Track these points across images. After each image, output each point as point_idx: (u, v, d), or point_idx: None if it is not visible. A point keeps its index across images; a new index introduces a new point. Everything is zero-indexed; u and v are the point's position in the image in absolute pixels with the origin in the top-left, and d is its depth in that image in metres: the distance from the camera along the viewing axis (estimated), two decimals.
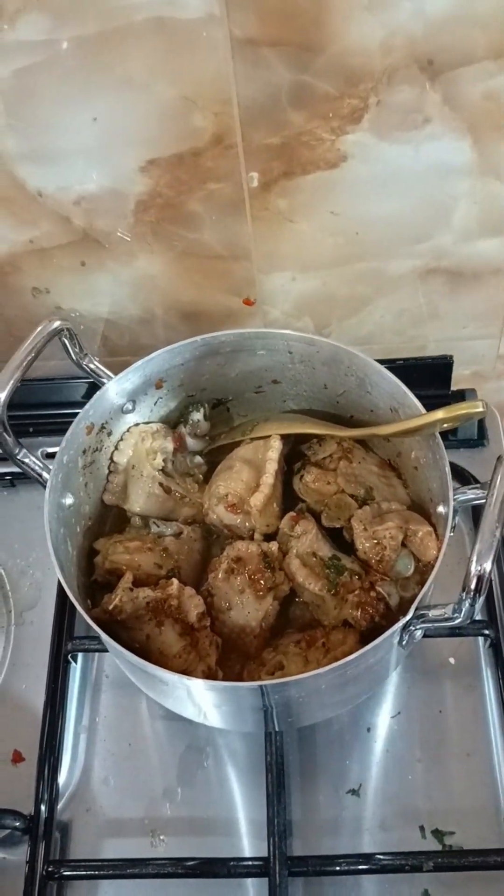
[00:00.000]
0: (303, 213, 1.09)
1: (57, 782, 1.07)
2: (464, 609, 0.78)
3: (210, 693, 0.87)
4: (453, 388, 1.30)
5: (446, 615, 0.81)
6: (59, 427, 1.03)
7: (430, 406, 0.96)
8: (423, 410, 0.95)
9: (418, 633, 0.86)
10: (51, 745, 1.08)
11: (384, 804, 1.04)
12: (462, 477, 1.19)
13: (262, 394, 1.15)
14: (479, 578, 0.75)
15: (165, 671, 0.82)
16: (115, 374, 1.04)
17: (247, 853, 1.02)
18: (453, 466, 0.93)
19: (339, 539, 1.05)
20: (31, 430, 1.28)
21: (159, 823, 1.05)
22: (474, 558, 0.75)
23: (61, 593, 1.17)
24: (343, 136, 0.99)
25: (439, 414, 0.90)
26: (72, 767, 1.09)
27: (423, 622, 0.83)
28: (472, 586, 0.75)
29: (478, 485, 0.92)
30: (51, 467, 0.97)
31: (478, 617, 1.01)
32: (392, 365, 1.02)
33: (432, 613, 0.82)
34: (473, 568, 0.75)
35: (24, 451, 0.95)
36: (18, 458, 0.94)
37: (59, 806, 1.06)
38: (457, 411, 0.89)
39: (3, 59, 0.93)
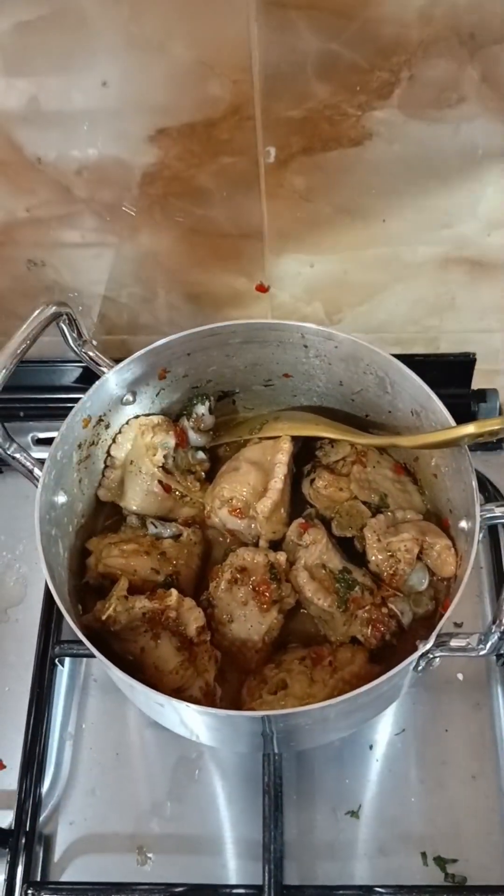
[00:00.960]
0: (320, 193, 1.02)
1: (40, 792, 1.01)
2: (491, 641, 0.73)
3: (207, 718, 0.81)
4: None
5: (471, 646, 0.75)
6: (51, 412, 0.97)
7: (450, 406, 0.91)
8: (449, 417, 0.88)
9: (436, 661, 0.80)
10: (34, 753, 1.02)
11: (384, 827, 0.99)
12: (481, 485, 1.13)
13: (272, 387, 1.09)
14: None
15: (159, 694, 0.76)
16: (111, 353, 0.98)
17: (238, 876, 0.97)
18: None
19: (350, 547, 0.99)
20: (21, 414, 1.22)
21: (147, 840, 0.99)
22: None
23: (49, 593, 1.10)
24: (370, 112, 0.93)
25: (470, 429, 0.83)
26: (55, 777, 1.04)
27: (444, 650, 0.77)
28: None
29: None
30: (40, 457, 0.90)
31: None
32: (410, 361, 0.95)
33: (454, 643, 0.77)
34: None
35: (15, 445, 0.88)
36: (9, 452, 0.88)
37: (42, 818, 1.01)
38: (489, 426, 0.83)
39: (4, 10, 0.85)
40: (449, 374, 1.19)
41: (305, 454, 1.05)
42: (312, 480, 1.00)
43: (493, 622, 0.71)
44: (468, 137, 0.95)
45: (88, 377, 0.98)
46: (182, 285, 1.16)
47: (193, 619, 0.89)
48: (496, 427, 0.82)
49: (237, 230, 1.07)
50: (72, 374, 1.22)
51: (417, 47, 0.86)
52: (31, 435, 1.23)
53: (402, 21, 0.84)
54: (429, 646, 0.77)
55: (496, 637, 0.71)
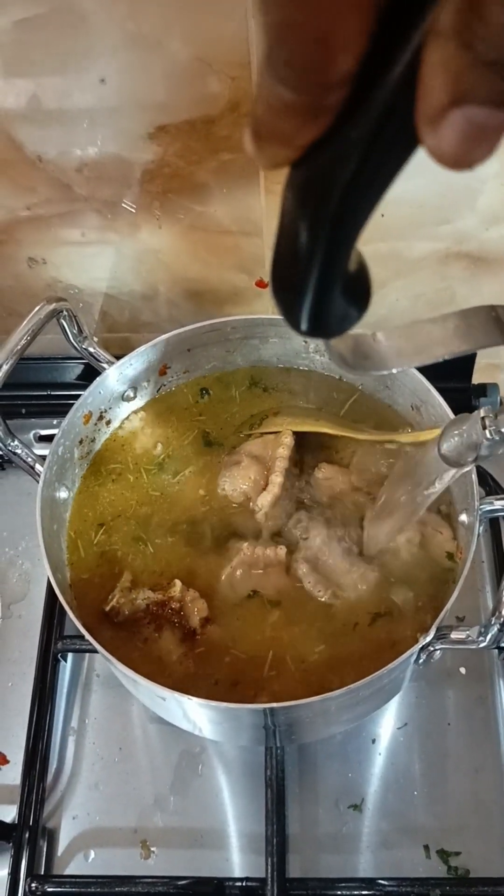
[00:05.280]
0: None
1: (43, 787, 1.01)
2: (491, 634, 0.73)
3: (209, 711, 0.81)
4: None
5: (470, 638, 0.75)
6: (53, 409, 0.97)
7: (451, 401, 0.91)
8: (449, 412, 0.88)
9: (437, 654, 0.81)
10: (37, 748, 1.03)
11: (387, 820, 0.99)
12: (482, 478, 1.13)
13: None
14: None
15: (161, 688, 0.76)
16: (113, 350, 0.98)
17: (242, 869, 0.97)
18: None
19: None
20: (23, 411, 1.22)
21: (150, 834, 1.00)
22: None
23: (52, 589, 1.10)
24: None
25: None
26: (59, 772, 1.04)
27: (444, 643, 0.78)
28: None
29: None
30: (43, 453, 0.90)
31: None
32: None
33: (454, 635, 0.77)
34: None
35: (17, 441, 0.88)
36: (9, 448, 0.88)
37: (45, 812, 1.01)
38: None
39: (2, 8, 0.85)
40: (449, 368, 1.19)
41: (310, 445, 1.05)
42: (313, 471, 1.00)
43: (493, 614, 0.71)
44: None
45: (90, 374, 0.98)
46: (183, 282, 1.16)
47: (197, 609, 0.89)
48: None
49: (237, 227, 1.07)
50: (74, 370, 1.22)
51: None
52: (33, 432, 1.23)
53: None
54: (429, 638, 0.78)
55: (496, 629, 0.72)
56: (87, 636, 0.79)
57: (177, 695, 0.76)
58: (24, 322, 0.86)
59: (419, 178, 0.99)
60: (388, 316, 1.20)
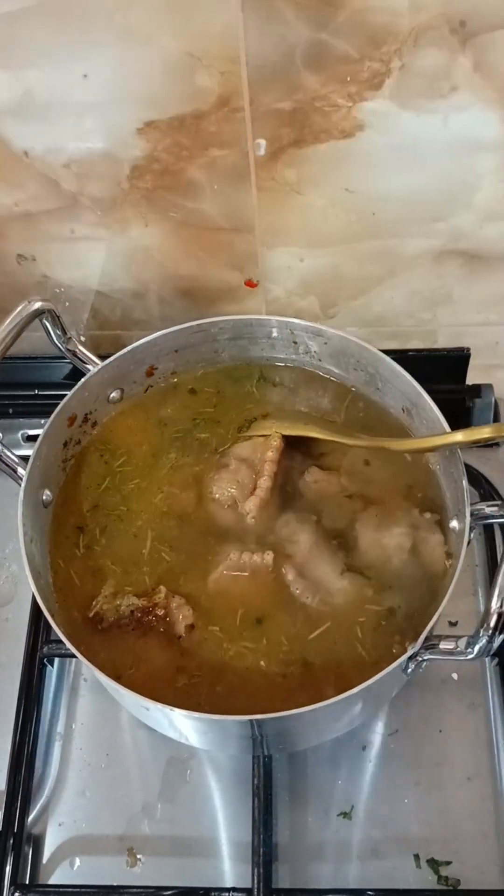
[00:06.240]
0: (312, 186, 1.01)
1: (28, 793, 1.00)
2: (479, 645, 0.71)
3: (193, 721, 0.80)
4: None
5: (458, 649, 0.74)
6: (41, 409, 0.96)
7: (445, 402, 0.90)
8: (440, 416, 0.87)
9: (425, 663, 0.79)
10: (22, 753, 1.01)
11: (377, 829, 0.98)
12: (476, 480, 1.11)
13: None
14: (501, 616, 0.67)
15: (144, 698, 0.75)
16: (105, 348, 0.97)
17: (230, 878, 0.95)
18: (466, 469, 0.86)
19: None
20: (10, 411, 1.22)
21: (137, 842, 0.98)
22: (496, 593, 0.68)
23: None
24: (361, 103, 0.91)
25: (458, 437, 0.83)
26: (44, 777, 1.02)
27: (432, 654, 0.76)
28: (492, 624, 0.68)
29: (497, 502, 0.84)
30: (29, 454, 0.89)
31: None
32: (404, 356, 0.94)
33: (443, 646, 0.75)
34: (494, 604, 0.68)
35: None
36: None
37: (30, 819, 0.99)
38: (478, 435, 0.82)
39: None
40: (443, 369, 1.17)
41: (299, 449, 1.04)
42: (303, 474, 0.99)
43: (481, 626, 0.70)
44: (461, 127, 0.93)
45: (80, 373, 0.97)
46: (174, 280, 1.15)
47: (182, 616, 0.87)
48: (486, 436, 0.81)
49: (229, 224, 1.06)
50: (62, 370, 1.21)
51: (408, 36, 0.85)
52: (20, 432, 1.22)
53: (392, 9, 0.83)
54: (416, 648, 0.76)
55: (484, 641, 0.70)
56: (67, 643, 0.78)
57: (160, 705, 0.75)
58: (6, 323, 0.85)
59: (414, 174, 0.97)
60: (383, 314, 1.18)
